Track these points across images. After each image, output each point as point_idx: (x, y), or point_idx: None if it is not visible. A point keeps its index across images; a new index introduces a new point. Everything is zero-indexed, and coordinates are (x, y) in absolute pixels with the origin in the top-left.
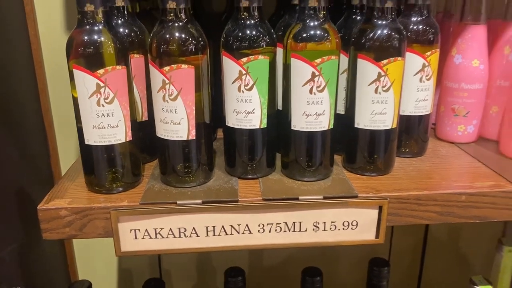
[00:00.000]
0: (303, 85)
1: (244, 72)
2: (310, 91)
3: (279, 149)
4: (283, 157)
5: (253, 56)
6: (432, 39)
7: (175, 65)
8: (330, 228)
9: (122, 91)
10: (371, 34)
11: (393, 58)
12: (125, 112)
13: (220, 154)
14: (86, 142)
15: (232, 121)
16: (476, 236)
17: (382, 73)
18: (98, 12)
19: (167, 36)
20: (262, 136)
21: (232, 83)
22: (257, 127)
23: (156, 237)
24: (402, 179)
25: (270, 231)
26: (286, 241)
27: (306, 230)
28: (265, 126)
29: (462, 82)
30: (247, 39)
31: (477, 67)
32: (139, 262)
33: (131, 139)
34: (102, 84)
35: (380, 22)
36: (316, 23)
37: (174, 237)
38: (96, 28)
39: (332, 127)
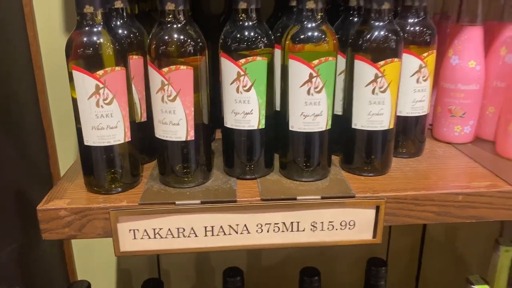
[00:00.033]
0: (301, 86)
1: (242, 73)
2: (308, 92)
3: (277, 149)
4: (281, 157)
5: (251, 58)
6: (428, 40)
7: (174, 66)
8: (328, 228)
9: (121, 92)
10: (368, 36)
11: (390, 59)
12: (124, 113)
13: (219, 155)
14: (85, 143)
15: (231, 121)
16: (473, 236)
17: (379, 74)
18: (97, 13)
19: (166, 37)
20: (260, 136)
21: (231, 84)
22: (255, 127)
23: (155, 237)
24: (399, 179)
25: (268, 231)
26: (284, 241)
27: (304, 230)
28: (263, 126)
29: (459, 83)
30: (245, 41)
31: (473, 68)
32: (138, 262)
33: (130, 139)
34: (101, 85)
35: (377, 23)
36: (313, 24)
37: (173, 237)
38: (95, 29)
39: (330, 127)
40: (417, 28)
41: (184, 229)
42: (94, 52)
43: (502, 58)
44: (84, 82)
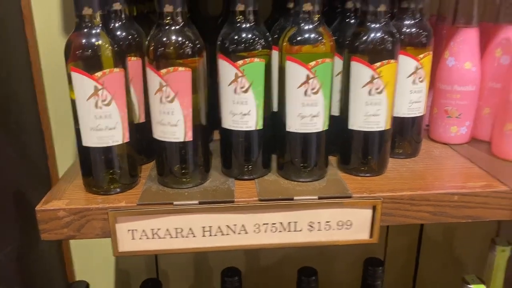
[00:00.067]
0: (298, 87)
1: (240, 74)
2: (305, 93)
3: (275, 150)
4: (279, 158)
5: (249, 59)
6: (425, 42)
7: (172, 67)
8: (325, 228)
9: (119, 94)
10: (365, 37)
11: (386, 60)
12: (122, 114)
13: (217, 156)
14: (84, 144)
15: (228, 122)
16: (470, 236)
17: (376, 76)
18: (96, 15)
19: (164, 39)
20: (258, 137)
21: (228, 85)
22: (253, 128)
23: (153, 238)
24: (396, 180)
25: (266, 231)
26: (282, 241)
27: (301, 230)
28: (261, 127)
29: (455, 84)
30: (243, 42)
31: (469, 70)
32: (136, 263)
33: (128, 140)
34: (100, 87)
35: (373, 25)
36: (310, 26)
37: (171, 237)
38: (94, 31)
39: (327, 128)
40: (413, 29)
41: (182, 229)
42: (92, 54)
43: (498, 59)
44: (83, 83)
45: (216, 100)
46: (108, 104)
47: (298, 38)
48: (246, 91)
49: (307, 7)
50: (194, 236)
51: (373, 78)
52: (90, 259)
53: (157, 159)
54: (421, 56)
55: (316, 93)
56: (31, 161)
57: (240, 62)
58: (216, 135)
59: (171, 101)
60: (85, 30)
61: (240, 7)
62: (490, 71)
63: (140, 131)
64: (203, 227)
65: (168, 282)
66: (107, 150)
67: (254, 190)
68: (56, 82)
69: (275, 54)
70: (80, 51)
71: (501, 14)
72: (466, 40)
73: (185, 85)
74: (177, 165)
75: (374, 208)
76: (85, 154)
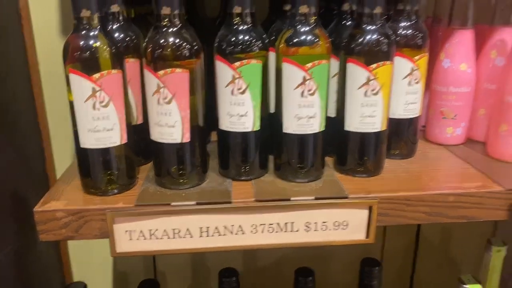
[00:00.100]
0: (295, 89)
1: (237, 76)
2: (302, 95)
3: (272, 151)
4: (276, 159)
5: (246, 61)
6: (420, 43)
7: (170, 69)
8: (322, 229)
9: (117, 95)
10: (361, 39)
11: (382, 62)
12: (120, 116)
13: (214, 157)
14: (82, 145)
15: (226, 124)
16: (467, 236)
17: (371, 77)
18: (94, 17)
19: (161, 41)
20: (255, 138)
21: (226, 86)
22: (250, 129)
23: (150, 238)
24: (392, 180)
25: (262, 232)
26: (279, 241)
27: (298, 231)
28: (258, 128)
29: (451, 85)
30: (240, 44)
31: (464, 71)
32: (134, 264)
33: (126, 142)
34: (97, 88)
35: (369, 27)
36: (307, 28)
37: (169, 238)
38: (92, 33)
39: (323, 129)
40: (409, 31)
41: (179, 230)
42: (90, 56)
43: (493, 61)
44: (81, 85)
45: (214, 102)
46: (106, 106)
47: (295, 40)
48: (243, 93)
49: (303, 9)
50: (191, 237)
51: (369, 80)
52: (88, 260)
53: (155, 160)
54: (417, 57)
55: (312, 94)
56: (29, 162)
57: (237, 63)
58: (214, 136)
59: (169, 102)
60: (83, 32)
61: (237, 9)
62: (485, 72)
63: (138, 133)
64: (201, 227)
65: (166, 283)
66: (105, 151)
67: (251, 191)
68: (54, 84)
69: (272, 55)
70: (78, 53)
71: (496, 16)
72: (462, 42)
73: (183, 87)
74: (174, 166)
75: (370, 209)
76: (83, 156)
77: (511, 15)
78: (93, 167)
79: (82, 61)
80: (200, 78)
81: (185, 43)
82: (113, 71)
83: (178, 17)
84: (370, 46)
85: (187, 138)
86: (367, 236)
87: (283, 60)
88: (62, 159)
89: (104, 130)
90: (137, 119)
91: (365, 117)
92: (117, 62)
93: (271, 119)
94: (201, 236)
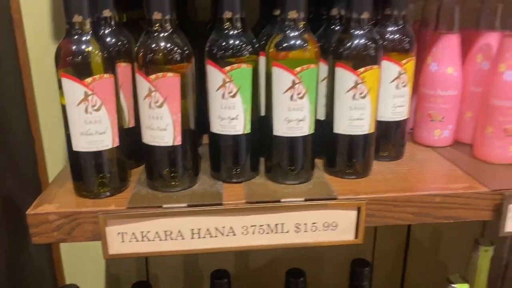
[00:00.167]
0: (284, 92)
1: (227, 80)
2: (291, 98)
3: (263, 153)
4: (267, 161)
5: (237, 65)
6: (407, 48)
7: (161, 73)
8: (311, 229)
9: (109, 99)
10: (348, 44)
11: (370, 66)
12: (112, 119)
13: (206, 159)
14: (74, 149)
15: (217, 127)
16: (456, 238)
17: (359, 81)
18: (86, 22)
19: (153, 45)
20: (246, 141)
21: (216, 90)
22: (241, 132)
23: (142, 240)
24: (380, 182)
25: (253, 233)
26: (269, 242)
27: (288, 232)
28: (249, 131)
29: (438, 88)
30: (230, 49)
31: (451, 74)
32: (127, 266)
33: (118, 145)
34: (90, 92)
35: (357, 32)
36: (296, 33)
37: (160, 239)
38: (84, 38)
39: (313, 132)
40: (396, 36)
41: (171, 232)
42: (83, 60)
43: (479, 64)
44: (73, 89)
45: (205, 105)
46: (98, 110)
47: (284, 45)
48: (234, 96)
49: (292, 14)
50: (183, 239)
51: (356, 83)
52: (80, 263)
53: (147, 163)
54: (404, 61)
55: (302, 98)
56: (21, 165)
57: (228, 68)
58: (206, 139)
59: (160, 106)
60: (75, 37)
61: (227, 15)
62: (471, 76)
63: (130, 136)
64: (192, 229)
65: (159, 285)
66: (97, 154)
67: (242, 193)
68: (46, 88)
69: (262, 60)
70: (71, 57)
71: (481, 21)
72: (448, 46)
73: (174, 91)
74: (166, 169)
75: (358, 210)
76: (76, 159)
77: (496, 20)
78: (86, 170)
79: (74, 65)
80: (191, 82)
81: (176, 48)
82: (105, 75)
83: (169, 22)
84: (358, 50)
85: (178, 141)
86: (356, 236)
87: (273, 64)
88: (54, 163)
89: (96, 133)
90: (129, 122)
91: (354, 120)
92: (109, 66)
93: (261, 122)
94: (192, 238)
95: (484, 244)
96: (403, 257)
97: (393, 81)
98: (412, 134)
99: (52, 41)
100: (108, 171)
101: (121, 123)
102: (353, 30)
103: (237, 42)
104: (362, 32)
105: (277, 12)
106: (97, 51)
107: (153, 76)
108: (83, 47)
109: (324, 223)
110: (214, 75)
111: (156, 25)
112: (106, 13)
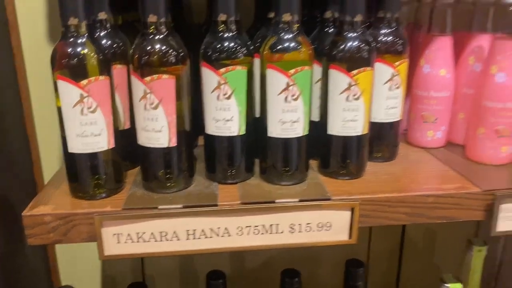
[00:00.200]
0: (279, 94)
1: (222, 82)
2: (285, 100)
3: (258, 155)
4: (261, 162)
5: (231, 67)
6: (400, 50)
7: (156, 75)
8: (306, 230)
9: (104, 101)
10: (342, 46)
11: (363, 68)
12: (107, 121)
13: (201, 161)
14: (70, 150)
15: (212, 128)
16: (451, 238)
17: (353, 83)
18: (82, 25)
19: (148, 48)
20: (240, 142)
21: (211, 92)
22: (236, 134)
23: (138, 241)
24: (374, 183)
25: (248, 234)
26: (264, 243)
27: (282, 232)
28: (244, 133)
29: (431, 90)
30: (225, 51)
31: (444, 76)
32: (122, 267)
33: (113, 146)
34: (85, 94)
35: (350, 34)
36: (290, 35)
37: (156, 240)
38: (79, 40)
39: (307, 133)
40: (389, 38)
41: (167, 233)
42: (78, 62)
43: (471, 66)
44: (69, 91)
45: (200, 107)
46: (93, 111)
47: (278, 47)
48: (228, 98)
49: (287, 17)
50: (178, 240)
51: (350, 85)
52: (76, 264)
53: (142, 164)
54: (397, 63)
55: (296, 99)
56: (17, 167)
57: (222, 69)
58: (201, 141)
59: (155, 108)
60: (71, 39)
61: (222, 17)
62: (463, 77)
63: (125, 137)
64: (187, 230)
65: (154, 286)
66: (93, 156)
67: (237, 194)
68: (41, 89)
69: (257, 62)
70: (66, 59)
71: (474, 23)
72: (441, 48)
73: (169, 92)
74: (161, 170)
75: (352, 210)
76: (71, 160)
77: (488, 22)
78: (81, 171)
79: (70, 67)
80: (186, 84)
81: (171, 50)
82: (101, 77)
83: (165, 25)
84: (351, 52)
85: (173, 143)
86: (350, 236)
87: (267, 66)
88: (50, 164)
89: (92, 135)
90: (124, 124)
91: (347, 121)
92: (105, 68)
93: (256, 124)
94: (188, 239)
95: (477, 244)
96: (398, 257)
97: (386, 82)
98: (405, 135)
99: (48, 43)
100: (103, 173)
101: (116, 125)
102: (347, 33)
103: (231, 44)
104: (355, 34)
105: (272, 15)
106: (92, 53)
107: (148, 78)
108: (79, 49)
109: (318, 224)
110: (209, 77)
111: (151, 27)
112: (102, 15)
